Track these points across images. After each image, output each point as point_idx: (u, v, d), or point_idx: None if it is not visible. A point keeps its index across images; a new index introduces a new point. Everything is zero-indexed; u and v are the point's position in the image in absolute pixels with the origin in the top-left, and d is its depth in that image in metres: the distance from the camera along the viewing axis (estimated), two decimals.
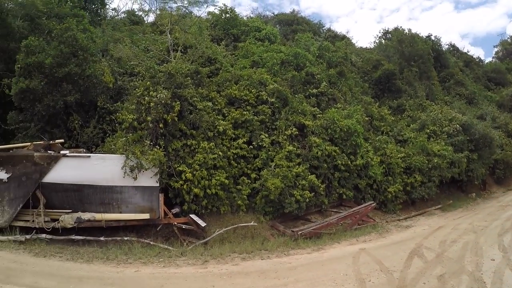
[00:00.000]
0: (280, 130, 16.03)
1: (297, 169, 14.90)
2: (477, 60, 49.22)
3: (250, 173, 15.12)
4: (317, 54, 22.13)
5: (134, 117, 13.60)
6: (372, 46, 36.29)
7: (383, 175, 17.88)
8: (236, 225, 13.40)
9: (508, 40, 61.64)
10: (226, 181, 13.98)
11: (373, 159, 17.57)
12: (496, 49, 61.97)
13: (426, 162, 19.15)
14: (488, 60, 57.53)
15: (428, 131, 21.98)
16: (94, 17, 22.43)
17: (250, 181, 14.92)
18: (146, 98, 13.52)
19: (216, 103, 16.13)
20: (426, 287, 8.62)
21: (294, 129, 16.20)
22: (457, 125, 22.30)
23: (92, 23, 19.72)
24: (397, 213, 18.08)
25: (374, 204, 16.34)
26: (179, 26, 19.74)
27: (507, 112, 33.98)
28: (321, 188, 15.35)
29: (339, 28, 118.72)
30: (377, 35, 37.04)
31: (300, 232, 13.23)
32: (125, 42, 18.61)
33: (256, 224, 13.64)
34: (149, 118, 13.30)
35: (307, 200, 14.58)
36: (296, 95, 17.99)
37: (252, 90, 16.79)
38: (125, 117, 13.76)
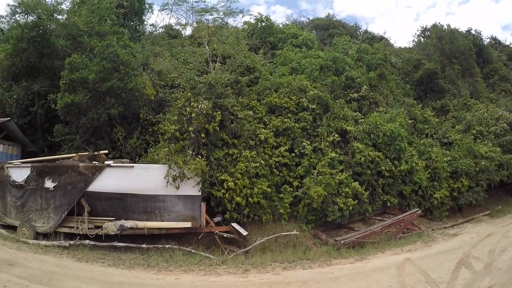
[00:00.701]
0: (322, 137, 15.68)
1: (340, 176, 14.52)
2: None
3: (292, 181, 14.87)
4: (356, 57, 21.58)
5: (176, 127, 13.70)
6: (411, 45, 35.13)
7: (429, 180, 17.14)
8: (278, 234, 13.16)
9: None
10: (268, 190, 13.82)
11: (417, 164, 16.92)
12: None
13: (473, 165, 18.14)
14: None
15: (474, 131, 21.02)
16: (133, 33, 23.03)
17: (292, 189, 14.68)
18: (188, 109, 13.60)
19: (256, 111, 16.06)
20: None
21: (336, 135, 15.80)
22: (505, 124, 21.36)
23: (131, 39, 20.27)
24: (443, 220, 17.26)
25: (420, 211, 15.64)
26: (216, 37, 19.77)
27: None
28: (364, 196, 14.86)
29: (375, 29, 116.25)
30: (415, 34, 35.77)
31: (343, 241, 12.84)
32: (164, 56, 18.84)
33: (298, 233, 13.38)
34: (190, 128, 13.37)
35: (351, 208, 14.15)
36: (337, 101, 17.63)
37: (292, 97, 16.58)
38: (167, 128, 13.91)
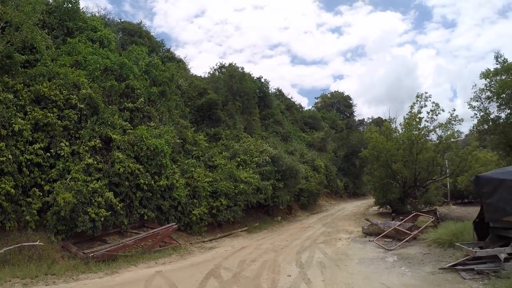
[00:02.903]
0: (83, 140, 13.70)
1: (94, 185, 12.79)
2: (298, 106, 54.55)
3: (43, 185, 12.29)
4: (144, 70, 20.06)
5: None
6: (206, 75, 35.88)
7: (189, 197, 16.93)
8: (19, 244, 10.52)
9: (328, 95, 71.64)
10: (13, 191, 11.05)
11: (178, 181, 16.51)
12: (316, 100, 71.15)
13: (233, 187, 18.95)
14: (308, 108, 64.65)
15: (239, 159, 22.15)
16: None
17: (42, 194, 12.10)
18: None
19: (20, 97, 13.03)
20: None
21: (98, 141, 14.02)
22: (267, 157, 22.99)
23: None
24: (203, 235, 17.20)
25: (176, 225, 15.12)
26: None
27: (316, 151, 37.78)
28: (119, 207, 13.43)
29: (181, 52, 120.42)
30: (213, 67, 36.89)
31: (92, 254, 11.19)
32: None
33: (41, 244, 10.94)
34: None
35: (102, 219, 12.56)
36: (110, 106, 15.87)
37: (64, 91, 14.13)
38: None
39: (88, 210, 12.18)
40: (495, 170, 14.30)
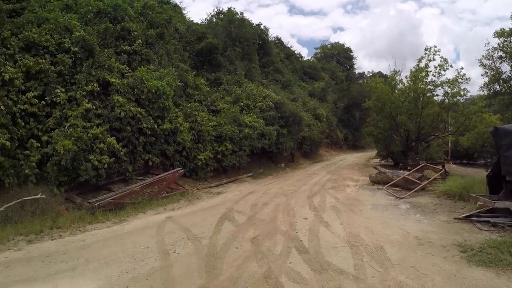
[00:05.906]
0: (80, 85, 12.53)
1: (95, 131, 11.81)
2: (298, 55, 52.56)
3: (41, 135, 11.24)
4: (139, 12, 18.34)
5: None
6: (203, 22, 33.82)
7: (193, 142, 16.21)
8: (20, 200, 9.64)
9: (329, 46, 69.13)
10: (8, 144, 10.01)
11: (182, 124, 15.63)
12: (316, 51, 68.87)
13: (237, 132, 18.26)
14: (307, 58, 62.43)
15: (242, 104, 21.27)
16: None
17: (40, 145, 11.07)
18: None
19: (9, 46, 11.71)
20: (239, 252, 7.11)
21: (96, 85, 12.85)
22: (270, 102, 22.21)
23: None
24: (208, 180, 16.69)
25: (183, 170, 14.42)
26: None
27: (317, 100, 36.59)
28: (122, 152, 12.57)
29: None
30: (210, 13, 34.63)
31: (98, 203, 10.53)
32: None
33: (44, 196, 10.09)
34: None
35: (106, 166, 11.74)
36: (106, 50, 14.60)
37: (55, 36, 12.88)
38: None
39: (90, 158, 11.37)
40: None
